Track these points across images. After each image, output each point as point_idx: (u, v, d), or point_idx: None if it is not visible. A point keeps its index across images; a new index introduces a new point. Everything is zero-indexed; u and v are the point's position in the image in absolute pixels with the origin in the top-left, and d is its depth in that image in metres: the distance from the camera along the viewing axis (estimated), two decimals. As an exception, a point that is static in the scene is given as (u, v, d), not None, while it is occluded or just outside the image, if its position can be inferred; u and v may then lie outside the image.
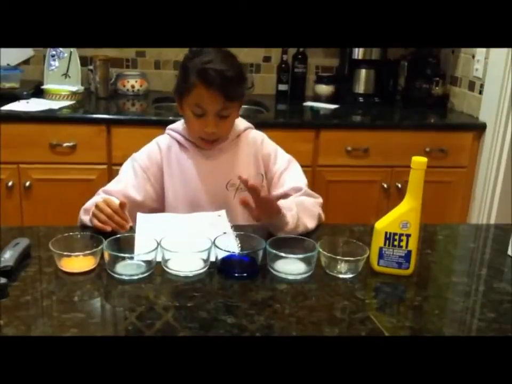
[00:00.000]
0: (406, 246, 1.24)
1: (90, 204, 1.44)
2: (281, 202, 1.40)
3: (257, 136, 1.63)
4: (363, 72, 2.99)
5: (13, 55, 2.82)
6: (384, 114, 2.84)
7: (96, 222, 1.34)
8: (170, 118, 2.42)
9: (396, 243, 1.24)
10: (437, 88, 2.92)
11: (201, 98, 1.44)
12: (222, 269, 1.24)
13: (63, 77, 2.80)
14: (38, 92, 2.68)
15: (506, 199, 2.60)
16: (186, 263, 1.24)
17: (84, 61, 2.86)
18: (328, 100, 2.97)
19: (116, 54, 2.92)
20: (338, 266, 1.25)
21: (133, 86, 2.87)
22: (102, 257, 1.23)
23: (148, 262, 1.22)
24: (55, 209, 2.38)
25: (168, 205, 1.56)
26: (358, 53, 2.95)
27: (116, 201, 1.37)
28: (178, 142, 1.57)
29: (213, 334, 1.00)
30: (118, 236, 1.29)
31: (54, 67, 2.80)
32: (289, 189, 1.55)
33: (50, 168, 2.42)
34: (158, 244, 1.23)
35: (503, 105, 2.54)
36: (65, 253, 1.21)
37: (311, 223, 1.45)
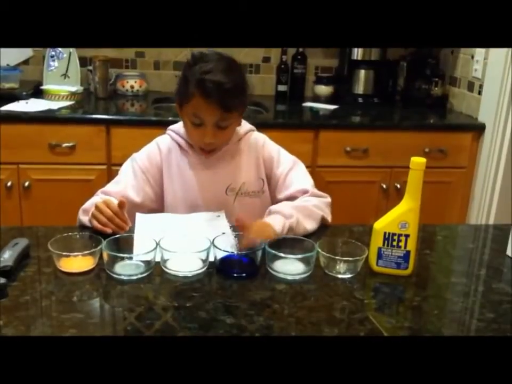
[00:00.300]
0: (405, 246, 1.24)
1: (89, 204, 1.44)
2: (282, 210, 1.42)
3: (259, 139, 1.62)
4: (362, 72, 2.99)
5: (12, 56, 2.82)
6: (383, 115, 2.84)
7: (96, 224, 1.34)
8: (170, 118, 2.42)
9: (394, 243, 1.24)
10: (436, 88, 2.92)
11: (199, 109, 1.42)
12: (221, 269, 1.24)
13: (62, 77, 2.80)
14: (38, 92, 2.68)
15: (505, 199, 2.60)
16: (185, 263, 1.24)
17: (83, 62, 2.86)
18: (328, 100, 2.97)
19: (115, 55, 2.92)
20: (337, 267, 1.25)
21: (132, 87, 2.87)
22: (101, 257, 1.23)
23: (147, 262, 1.22)
24: (54, 210, 2.38)
25: (167, 206, 1.56)
26: (358, 53, 2.95)
27: (115, 202, 1.36)
28: (179, 144, 1.56)
29: (212, 334, 1.00)
30: (117, 236, 1.29)
31: (53, 67, 2.80)
32: (295, 191, 1.55)
33: (50, 169, 2.42)
34: (157, 244, 1.23)
35: (502, 106, 2.55)
36: (64, 253, 1.21)
37: (311, 226, 1.45)
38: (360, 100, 3.00)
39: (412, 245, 1.24)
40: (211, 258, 1.25)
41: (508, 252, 1.40)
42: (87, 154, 2.43)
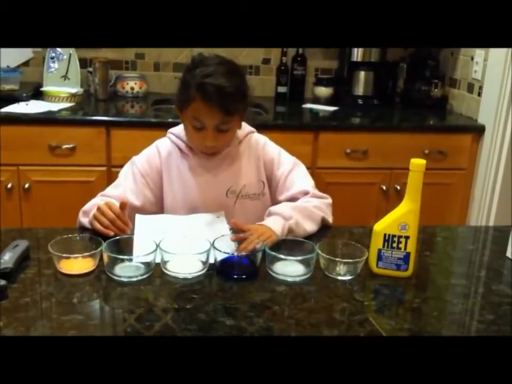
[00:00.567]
0: (405, 248, 1.24)
1: (89, 206, 1.44)
2: (281, 211, 1.42)
3: (259, 141, 1.62)
4: (362, 74, 2.99)
5: (12, 57, 2.82)
6: (383, 116, 2.84)
7: (98, 226, 1.34)
8: (170, 120, 2.42)
9: (394, 245, 1.24)
10: (436, 90, 2.92)
11: (199, 112, 1.41)
12: (221, 270, 1.24)
13: (62, 79, 2.80)
14: (38, 93, 2.68)
15: (505, 201, 2.60)
16: (185, 264, 1.24)
17: (83, 63, 2.86)
18: (327, 102, 2.97)
19: (115, 56, 2.92)
20: (337, 268, 1.25)
21: (132, 88, 2.87)
22: (101, 259, 1.23)
23: (147, 264, 1.22)
24: (54, 211, 2.38)
25: (167, 209, 1.55)
26: (357, 55, 2.96)
27: (117, 204, 1.36)
28: (179, 147, 1.56)
29: (212, 335, 1.00)
30: (117, 237, 1.29)
31: (53, 69, 2.80)
32: (296, 192, 1.55)
33: (50, 170, 2.42)
34: (157, 245, 1.23)
35: (502, 107, 2.55)
36: (64, 255, 1.21)
37: (311, 227, 1.45)
38: (360, 101, 3.00)
39: (411, 247, 1.24)
40: (211, 260, 1.25)
41: (508, 254, 1.40)
42: (87, 155, 2.43)
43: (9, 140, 2.34)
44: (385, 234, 1.24)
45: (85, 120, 2.45)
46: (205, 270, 1.24)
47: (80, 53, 2.81)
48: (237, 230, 1.36)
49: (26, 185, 2.40)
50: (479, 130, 2.66)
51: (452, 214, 2.73)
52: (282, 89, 3.04)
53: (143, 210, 1.50)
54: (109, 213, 1.33)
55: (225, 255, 1.24)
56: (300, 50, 3.01)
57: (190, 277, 1.22)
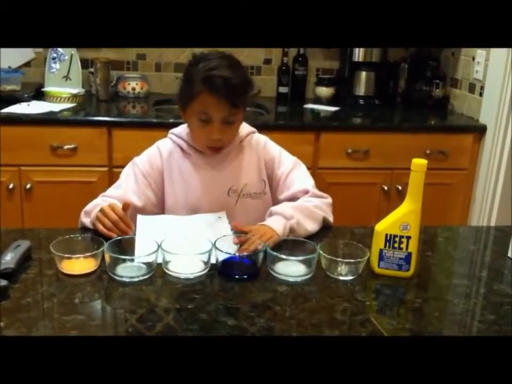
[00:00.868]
0: (406, 248, 1.24)
1: (91, 206, 1.44)
2: (282, 211, 1.42)
3: (260, 140, 1.62)
4: (363, 74, 2.99)
5: (14, 58, 2.82)
6: (384, 117, 2.84)
7: (101, 228, 1.34)
8: (171, 120, 2.42)
9: (396, 245, 1.24)
10: (437, 90, 2.92)
11: (206, 105, 1.42)
12: (222, 271, 1.24)
13: (64, 79, 2.80)
14: (39, 94, 2.68)
15: (507, 201, 2.60)
16: (187, 265, 1.24)
17: (85, 64, 2.86)
18: (329, 102, 2.97)
19: (117, 57, 2.93)
20: (339, 268, 1.25)
21: (133, 89, 2.87)
22: (102, 259, 1.23)
23: (149, 264, 1.22)
24: (55, 212, 2.39)
25: (168, 209, 1.56)
26: (359, 55, 2.96)
27: (119, 205, 1.37)
28: (180, 147, 1.56)
29: (213, 335, 1.01)
30: (119, 238, 1.29)
31: (55, 69, 2.80)
32: (296, 191, 1.55)
33: (51, 171, 2.43)
34: (159, 246, 1.23)
35: (503, 107, 2.55)
36: (66, 255, 1.21)
37: (312, 226, 1.45)
38: (361, 101, 3.00)
39: (413, 247, 1.24)
40: (213, 260, 1.25)
41: (509, 254, 1.40)
42: (88, 156, 2.43)
43: (10, 140, 2.34)
44: (386, 235, 1.24)
45: (87, 120, 2.45)
46: (207, 270, 1.24)
47: (81, 54, 2.81)
48: (238, 232, 1.36)
49: (28, 186, 2.41)
50: (480, 131, 2.65)
51: (453, 214, 2.73)
52: (283, 89, 3.04)
53: (144, 211, 1.50)
54: (112, 214, 1.33)
55: (227, 255, 1.24)
56: (301, 50, 3.01)
57: (191, 277, 1.22)
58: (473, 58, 2.75)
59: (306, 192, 1.54)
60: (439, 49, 3.05)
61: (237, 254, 1.27)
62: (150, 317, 1.07)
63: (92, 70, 2.82)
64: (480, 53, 2.69)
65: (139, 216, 1.44)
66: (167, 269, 1.23)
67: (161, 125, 2.37)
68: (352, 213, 2.52)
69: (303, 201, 1.51)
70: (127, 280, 1.19)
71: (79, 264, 1.21)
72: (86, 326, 1.04)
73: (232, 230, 1.41)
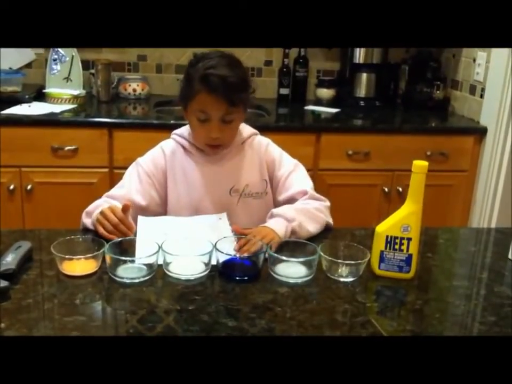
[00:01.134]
0: (407, 250, 1.24)
1: (92, 207, 1.44)
2: (284, 213, 1.43)
3: (262, 142, 1.63)
4: (364, 75, 2.99)
5: (14, 59, 2.83)
6: (385, 118, 2.84)
7: (102, 230, 1.34)
8: (172, 121, 2.42)
9: (396, 247, 1.24)
10: (437, 91, 2.92)
11: (205, 104, 1.44)
12: (223, 272, 1.24)
13: (64, 80, 2.81)
14: (40, 95, 2.69)
15: (507, 202, 2.59)
16: (188, 266, 1.24)
17: (86, 65, 2.87)
18: (329, 103, 2.97)
19: (118, 58, 2.93)
20: (339, 270, 1.25)
21: (134, 90, 2.87)
22: (103, 260, 1.23)
23: (149, 265, 1.22)
24: (56, 213, 2.39)
25: (170, 209, 1.56)
26: (359, 56, 2.96)
27: (120, 207, 1.37)
28: (183, 147, 1.57)
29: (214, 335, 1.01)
30: (120, 239, 1.29)
31: (55, 71, 2.80)
32: (295, 192, 1.56)
33: (52, 172, 2.43)
34: (159, 247, 1.23)
35: (504, 109, 2.55)
36: (66, 256, 1.21)
37: (314, 228, 1.46)
38: (361, 103, 3.00)
39: (414, 248, 1.24)
40: (213, 262, 1.25)
41: (510, 255, 1.40)
42: (89, 157, 2.43)
43: (11, 142, 2.35)
44: (387, 236, 1.24)
45: (87, 121, 2.46)
46: (207, 271, 1.24)
47: (82, 55, 2.82)
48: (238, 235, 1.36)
49: (29, 187, 2.41)
50: (481, 132, 2.65)
51: (454, 216, 2.73)
52: (284, 91, 3.04)
53: (148, 210, 1.51)
54: (112, 217, 1.33)
55: (228, 257, 1.24)
56: (302, 52, 3.01)
57: (192, 278, 1.22)
58: (474, 60, 2.75)
59: (304, 193, 1.55)
60: (440, 51, 3.05)
61: (237, 255, 1.27)
62: (150, 318, 1.07)
63: (92, 71, 2.82)
64: (481, 54, 2.69)
65: (140, 218, 1.44)
66: (168, 270, 1.23)
67: (162, 126, 2.37)
68: (353, 214, 2.52)
69: (302, 203, 1.52)
70: (127, 281, 1.19)
71: (80, 265, 1.21)
72: (87, 327, 1.04)
73: (232, 232, 1.41)
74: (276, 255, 1.24)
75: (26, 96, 2.61)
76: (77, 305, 1.10)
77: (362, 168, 2.61)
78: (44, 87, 2.76)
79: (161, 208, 1.56)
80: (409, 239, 1.23)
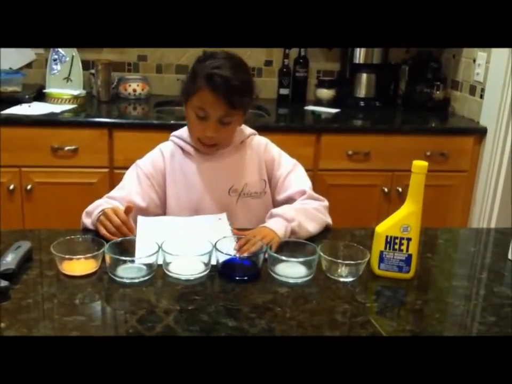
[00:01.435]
0: (407, 250, 1.24)
1: (92, 207, 1.45)
2: (283, 213, 1.43)
3: (261, 142, 1.63)
4: (364, 76, 2.99)
5: (15, 59, 2.83)
6: (385, 118, 2.84)
7: (103, 231, 1.34)
8: (172, 122, 2.43)
9: (396, 247, 1.24)
10: (437, 92, 2.92)
11: (205, 102, 1.45)
12: (223, 272, 1.24)
13: (65, 80, 2.81)
14: (40, 95, 2.69)
15: (507, 203, 2.60)
16: (187, 266, 1.24)
17: (86, 65, 2.87)
18: (329, 104, 2.97)
19: (118, 58, 2.93)
20: (339, 270, 1.25)
21: (134, 90, 2.87)
22: (103, 260, 1.23)
23: (149, 265, 1.22)
24: (56, 213, 2.39)
25: (170, 211, 1.56)
26: (359, 57, 2.96)
27: (121, 208, 1.37)
28: (182, 148, 1.58)
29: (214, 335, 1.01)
30: (120, 239, 1.29)
31: (56, 71, 2.80)
32: (294, 192, 1.56)
33: (52, 172, 2.43)
34: (159, 247, 1.23)
35: (504, 110, 2.55)
36: (66, 256, 1.21)
37: (313, 228, 1.46)
38: (361, 103, 3.00)
39: (413, 249, 1.24)
40: (213, 262, 1.25)
41: (510, 256, 1.40)
42: (89, 157, 2.43)
43: (11, 142, 2.35)
44: (387, 236, 1.24)
45: (87, 122, 2.46)
46: (207, 271, 1.24)
47: (82, 55, 2.82)
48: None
49: (29, 187, 2.41)
50: (481, 133, 2.65)
51: (454, 216, 2.73)
52: (284, 91, 3.04)
53: (148, 212, 1.51)
54: (115, 219, 1.33)
55: (227, 257, 1.24)
56: (302, 52, 3.01)
57: (192, 278, 1.22)
58: (474, 61, 2.75)
59: (303, 193, 1.55)
60: (440, 51, 3.05)
61: (237, 255, 1.27)
62: (150, 318, 1.07)
63: (93, 71, 2.82)
64: (481, 55, 2.69)
65: (139, 218, 1.44)
66: (168, 270, 1.23)
67: (162, 126, 2.37)
68: (353, 214, 2.52)
69: (301, 203, 1.52)
70: (127, 281, 1.20)
71: (80, 265, 1.21)
72: (87, 326, 1.04)
73: (232, 232, 1.41)
74: (275, 255, 1.24)
75: (27, 96, 2.61)
76: (77, 305, 1.10)
77: (362, 169, 2.61)
78: (44, 87, 2.76)
79: (160, 210, 1.57)
80: (409, 239, 1.23)
